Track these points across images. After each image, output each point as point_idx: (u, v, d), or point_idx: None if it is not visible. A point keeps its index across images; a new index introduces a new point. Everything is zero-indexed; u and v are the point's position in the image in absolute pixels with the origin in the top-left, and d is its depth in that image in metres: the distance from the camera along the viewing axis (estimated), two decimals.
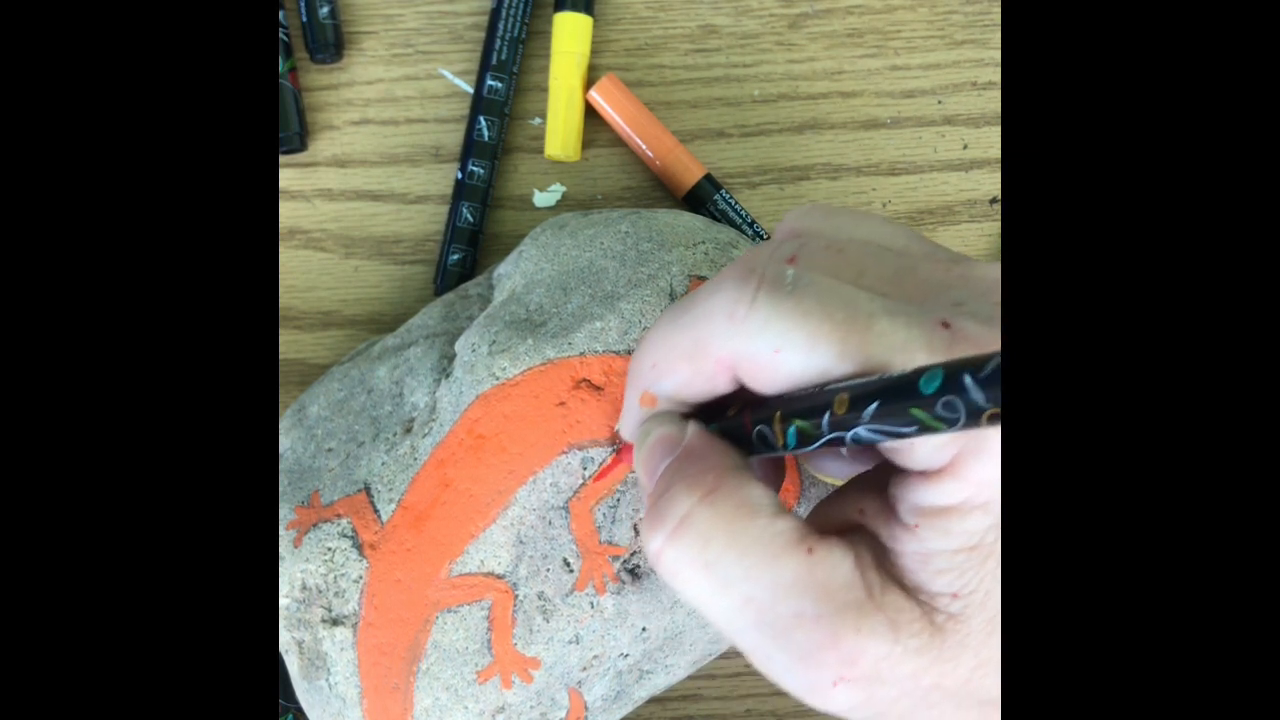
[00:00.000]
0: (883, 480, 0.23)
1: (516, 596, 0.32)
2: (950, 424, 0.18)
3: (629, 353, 0.32)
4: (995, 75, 0.41)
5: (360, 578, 0.32)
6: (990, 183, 0.41)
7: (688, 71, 0.41)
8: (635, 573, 0.32)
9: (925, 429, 0.19)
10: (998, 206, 0.41)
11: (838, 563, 0.22)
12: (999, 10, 0.42)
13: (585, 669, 0.33)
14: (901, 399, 0.19)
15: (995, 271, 0.22)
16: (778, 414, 0.22)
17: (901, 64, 0.41)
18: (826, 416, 0.21)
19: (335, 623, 0.32)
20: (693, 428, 0.25)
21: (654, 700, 0.40)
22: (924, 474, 0.21)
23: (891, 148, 0.41)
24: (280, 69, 0.39)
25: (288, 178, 0.41)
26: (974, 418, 0.18)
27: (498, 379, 0.32)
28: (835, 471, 0.27)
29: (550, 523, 0.32)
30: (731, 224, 0.40)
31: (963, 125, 0.41)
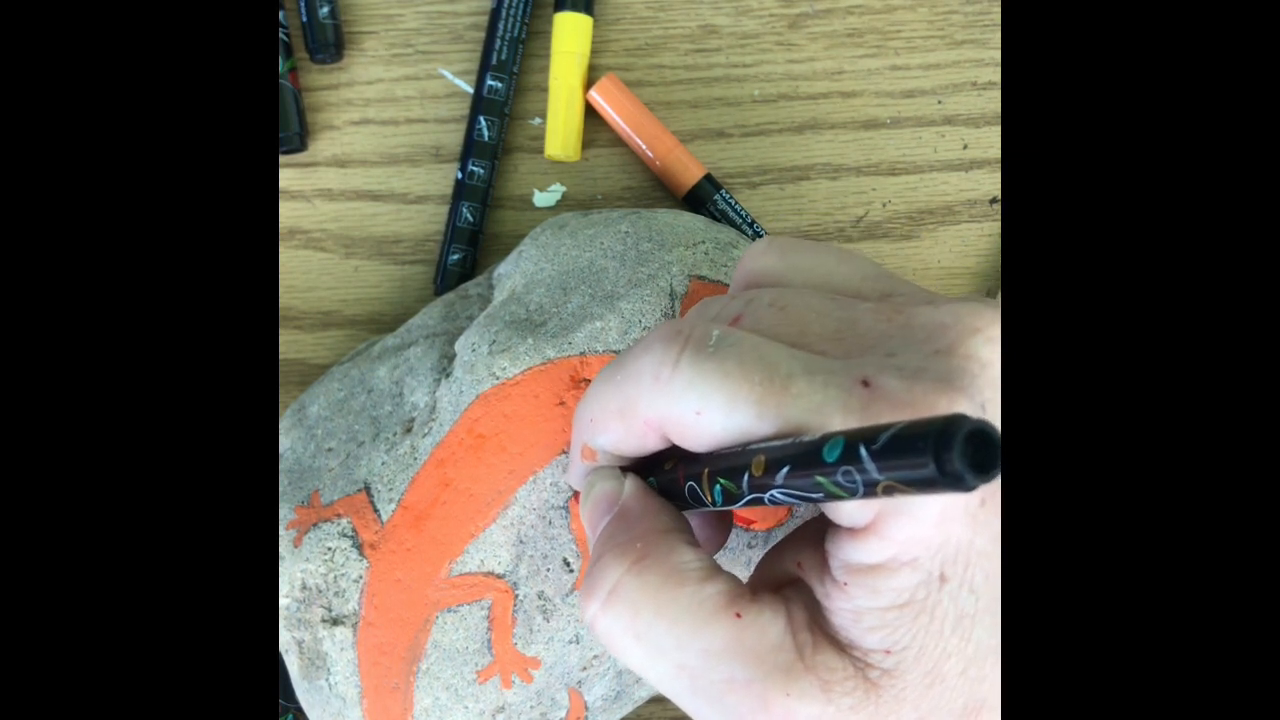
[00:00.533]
0: (821, 532, 0.23)
1: (516, 596, 0.32)
2: (851, 493, 0.18)
3: None
4: (995, 75, 0.41)
5: (360, 577, 0.32)
6: (990, 183, 0.41)
7: (688, 71, 0.41)
8: None
9: (831, 496, 0.19)
10: (998, 206, 0.41)
11: (767, 625, 0.22)
12: (999, 10, 0.42)
13: (585, 669, 0.33)
14: (808, 466, 0.19)
15: (939, 315, 0.22)
16: (705, 472, 0.22)
17: (901, 64, 0.41)
18: (746, 477, 0.21)
19: (335, 622, 0.32)
20: (629, 485, 0.25)
21: (654, 700, 0.40)
22: (851, 530, 0.21)
23: (891, 148, 0.41)
24: (280, 69, 0.39)
25: (288, 178, 0.41)
26: (870, 488, 0.18)
27: (498, 379, 0.32)
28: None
29: (550, 522, 0.32)
30: (731, 224, 0.40)
31: (963, 125, 0.41)
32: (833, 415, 0.20)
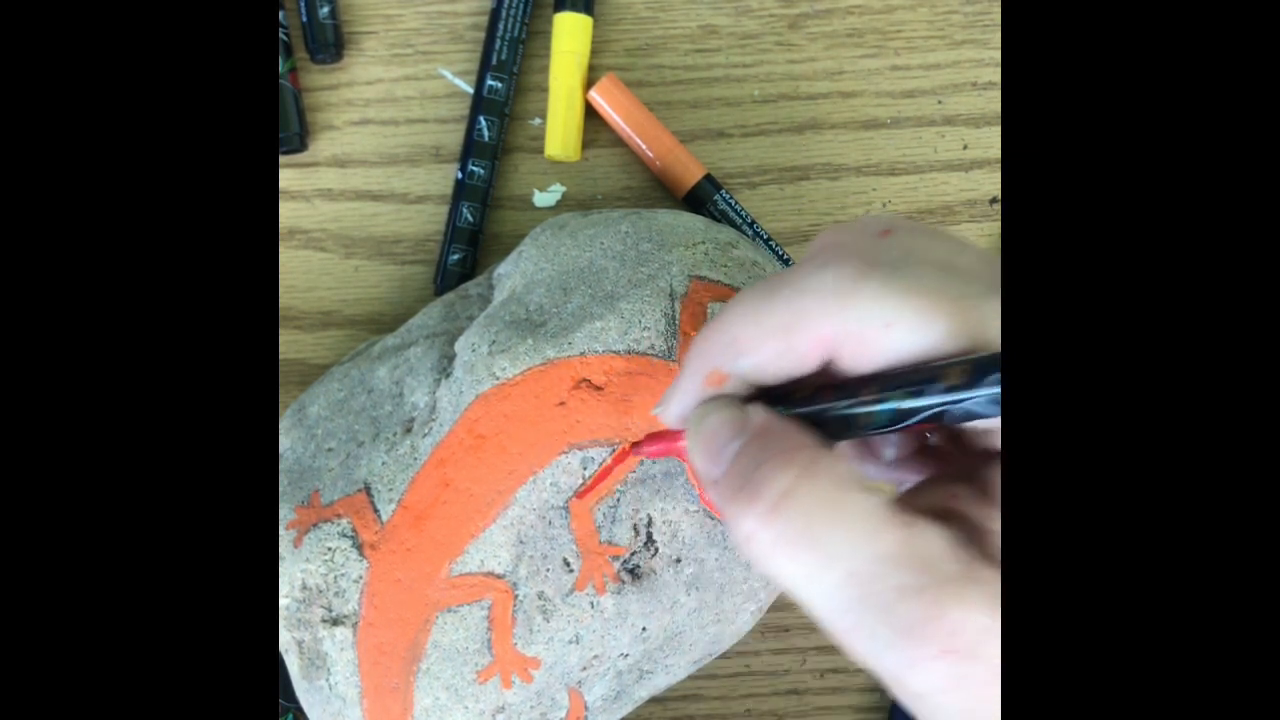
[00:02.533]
0: (972, 470, 0.23)
1: (516, 596, 0.32)
2: None
3: (629, 352, 0.32)
4: (995, 75, 0.41)
5: (360, 577, 0.32)
6: (990, 183, 0.41)
7: (688, 71, 0.41)
8: (635, 573, 0.32)
9: None
10: (998, 206, 0.41)
11: (935, 536, 0.21)
12: (999, 10, 0.42)
13: (585, 669, 0.33)
14: None
15: None
16: (870, 391, 0.22)
17: (901, 64, 0.41)
18: (937, 389, 0.21)
19: (335, 623, 0.32)
20: (758, 410, 0.24)
21: (654, 700, 0.40)
22: None
23: (891, 148, 0.41)
24: (280, 69, 0.39)
25: (288, 178, 0.41)
26: None
27: (498, 379, 0.32)
28: (875, 477, 0.27)
29: (550, 523, 0.32)
30: (731, 224, 0.40)
31: (963, 125, 0.41)
32: None
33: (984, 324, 0.21)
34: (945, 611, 0.21)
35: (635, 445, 0.29)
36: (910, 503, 0.24)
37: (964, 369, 0.21)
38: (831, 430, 0.23)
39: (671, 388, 0.26)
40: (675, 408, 0.26)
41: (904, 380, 0.22)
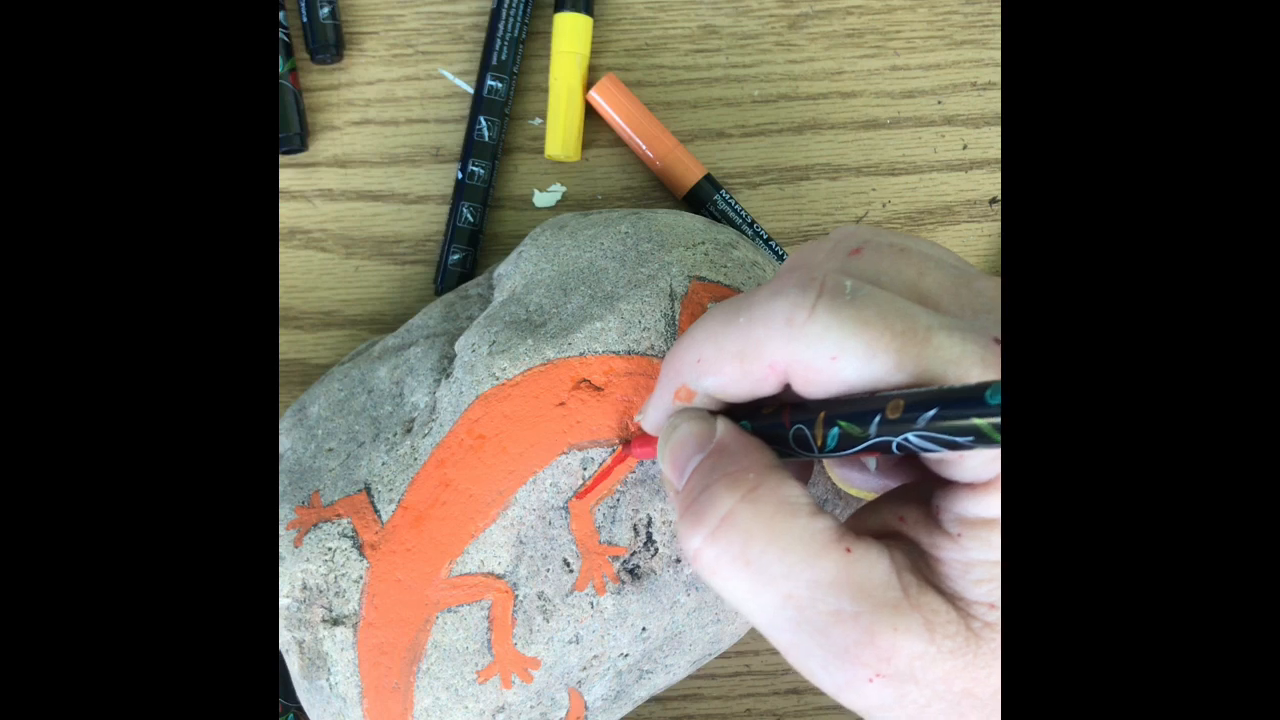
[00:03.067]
0: (924, 492, 0.24)
1: (516, 596, 0.32)
2: None
3: (629, 353, 0.32)
4: (995, 75, 0.41)
5: (360, 577, 0.32)
6: (990, 183, 0.41)
7: (688, 71, 0.41)
8: (635, 573, 0.32)
9: (983, 438, 0.19)
10: (998, 206, 0.41)
11: (875, 562, 0.22)
12: (999, 10, 0.42)
13: (585, 669, 0.33)
14: (964, 408, 0.20)
15: None
16: (821, 415, 0.23)
17: (901, 64, 0.41)
18: (876, 420, 0.21)
19: (335, 622, 0.32)
20: (724, 424, 0.25)
21: (654, 700, 0.40)
22: (970, 485, 0.21)
23: (891, 148, 0.41)
24: (280, 69, 0.39)
25: (288, 178, 0.41)
26: None
27: (498, 379, 0.32)
28: (862, 484, 0.28)
29: (550, 523, 0.32)
30: (731, 224, 0.40)
31: (963, 125, 0.41)
32: (972, 367, 0.21)
33: (931, 356, 0.21)
34: (877, 638, 0.21)
35: (625, 445, 0.30)
36: (861, 522, 0.25)
37: (898, 404, 0.21)
38: (790, 448, 0.24)
39: (650, 397, 0.27)
40: (651, 417, 0.27)
41: (850, 409, 0.22)
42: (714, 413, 0.26)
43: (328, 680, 0.32)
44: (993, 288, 0.23)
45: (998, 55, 0.41)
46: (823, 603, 0.22)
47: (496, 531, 0.32)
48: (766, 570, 0.22)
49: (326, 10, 0.40)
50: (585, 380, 0.32)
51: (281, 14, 0.40)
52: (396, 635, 0.32)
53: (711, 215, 0.40)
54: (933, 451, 0.21)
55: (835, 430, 0.22)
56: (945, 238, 0.41)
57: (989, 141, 0.41)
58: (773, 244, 0.40)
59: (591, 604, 0.32)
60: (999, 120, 0.42)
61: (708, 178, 0.40)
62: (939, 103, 0.41)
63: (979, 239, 0.41)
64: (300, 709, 0.38)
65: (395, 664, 0.32)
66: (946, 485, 0.22)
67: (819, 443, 0.23)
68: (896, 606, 0.21)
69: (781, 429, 0.24)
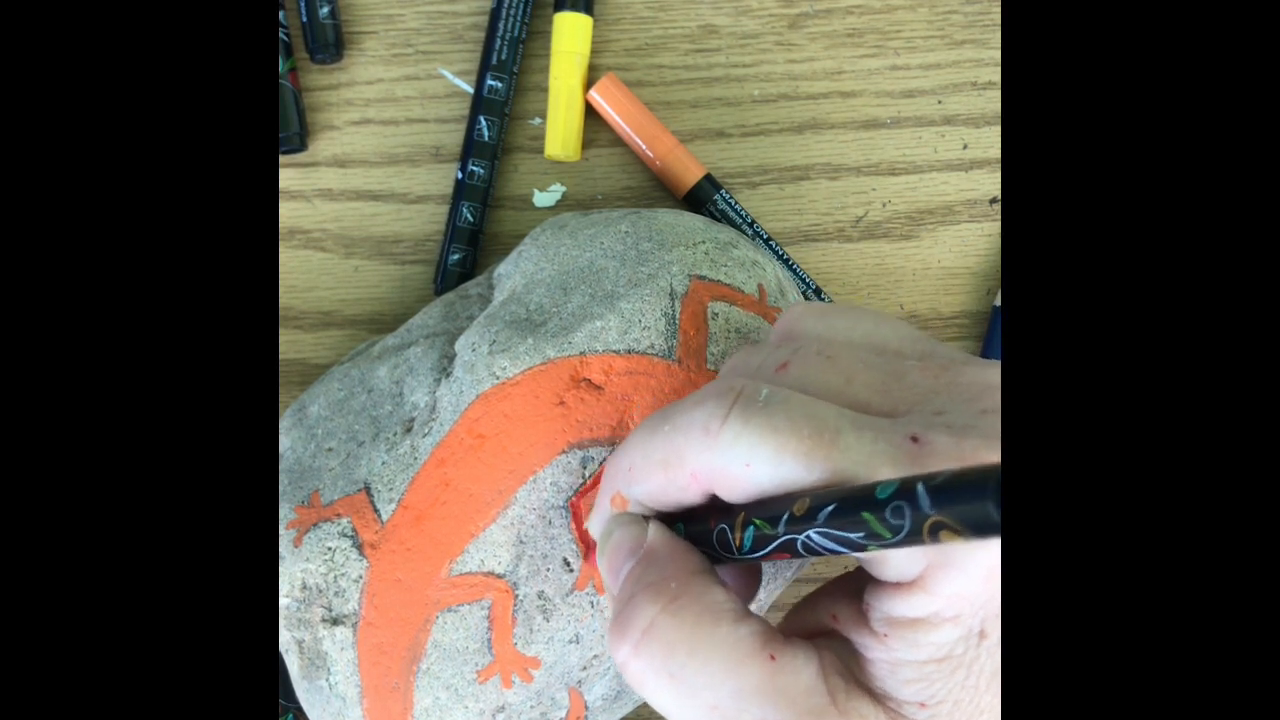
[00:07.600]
0: (859, 586, 0.23)
1: (516, 596, 0.32)
2: (895, 531, 0.19)
3: (629, 352, 0.32)
4: (995, 75, 0.41)
5: (360, 577, 0.32)
6: (990, 183, 0.41)
7: (688, 71, 0.41)
8: None
9: (873, 535, 0.19)
10: (998, 206, 0.41)
11: (800, 669, 0.22)
12: (999, 10, 0.42)
13: (585, 668, 0.33)
14: (856, 504, 0.20)
15: (986, 375, 0.23)
16: (740, 516, 0.23)
17: (901, 64, 0.41)
18: (785, 519, 0.21)
19: (335, 622, 0.32)
20: (654, 529, 0.25)
21: None
22: (896, 585, 0.21)
23: (891, 148, 0.41)
24: (280, 69, 0.39)
25: (288, 178, 0.41)
26: (918, 526, 0.18)
27: (498, 379, 0.32)
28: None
29: (550, 522, 0.32)
30: (731, 224, 0.40)
31: (963, 125, 0.41)
32: (882, 466, 0.21)
33: (839, 458, 0.21)
34: None
35: (589, 550, 0.31)
36: (796, 620, 0.25)
37: (804, 503, 0.21)
38: (717, 552, 0.24)
39: (594, 502, 0.28)
40: (593, 522, 0.28)
41: (764, 510, 0.22)
42: (648, 517, 0.26)
43: (327, 680, 0.32)
44: (930, 377, 0.23)
45: (998, 55, 0.42)
46: (747, 713, 0.22)
47: (496, 531, 0.32)
48: (689, 681, 0.22)
49: (326, 10, 0.40)
50: (585, 379, 0.32)
51: (281, 14, 0.40)
52: (396, 635, 0.32)
53: (711, 215, 0.40)
54: (836, 551, 0.21)
55: (750, 530, 0.22)
56: (945, 238, 0.41)
57: (989, 141, 0.41)
58: (773, 244, 0.40)
59: (592, 603, 0.32)
60: (999, 120, 0.42)
61: (708, 177, 0.40)
62: (939, 102, 0.41)
63: (979, 239, 0.41)
64: (300, 709, 0.38)
65: (395, 664, 0.32)
66: (876, 584, 0.22)
67: (737, 543, 0.23)
68: (822, 714, 0.21)
69: (706, 533, 0.24)
